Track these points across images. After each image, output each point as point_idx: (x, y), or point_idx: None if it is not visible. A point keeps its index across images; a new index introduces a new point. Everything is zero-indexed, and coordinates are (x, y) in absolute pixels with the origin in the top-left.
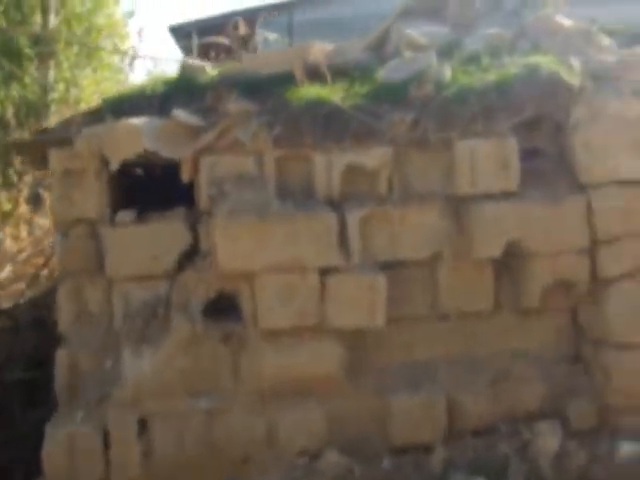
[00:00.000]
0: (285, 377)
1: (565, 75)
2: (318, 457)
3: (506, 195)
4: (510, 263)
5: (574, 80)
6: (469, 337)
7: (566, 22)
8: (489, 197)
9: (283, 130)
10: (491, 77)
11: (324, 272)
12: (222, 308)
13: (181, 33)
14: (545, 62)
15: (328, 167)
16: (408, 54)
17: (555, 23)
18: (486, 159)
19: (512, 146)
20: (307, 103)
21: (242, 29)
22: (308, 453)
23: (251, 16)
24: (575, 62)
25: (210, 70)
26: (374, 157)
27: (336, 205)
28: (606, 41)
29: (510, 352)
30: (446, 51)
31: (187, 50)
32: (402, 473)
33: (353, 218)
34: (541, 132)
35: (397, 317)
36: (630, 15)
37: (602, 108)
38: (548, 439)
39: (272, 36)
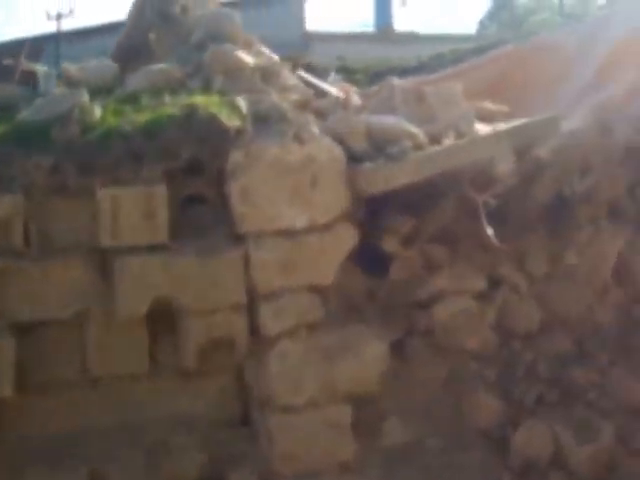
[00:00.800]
0: None
1: (225, 117)
2: None
3: (153, 248)
4: (167, 321)
5: (233, 123)
6: (123, 403)
7: (248, 59)
8: (134, 250)
9: None
10: (142, 119)
11: None
12: None
13: None
14: (205, 103)
15: None
16: (59, 91)
17: (236, 59)
18: (130, 209)
19: (160, 194)
20: None
21: None
22: None
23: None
24: (242, 103)
25: None
26: (2, 207)
27: None
28: (292, 80)
29: (169, 418)
30: (107, 89)
31: None
32: None
33: None
34: (202, 178)
35: (37, 384)
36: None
37: (261, 153)
38: None
39: (41, 69)
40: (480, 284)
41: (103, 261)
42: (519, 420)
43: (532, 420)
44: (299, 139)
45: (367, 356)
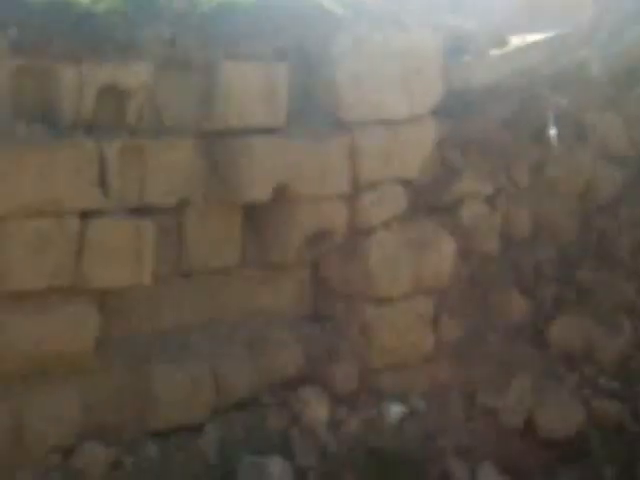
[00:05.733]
0: (34, 353)
1: (327, 2)
2: (73, 451)
3: (271, 131)
4: (262, 211)
5: (336, 8)
6: (215, 297)
7: None
8: (253, 132)
9: (22, 34)
10: None
11: (85, 216)
12: None
13: None
14: None
15: (80, 84)
16: None
17: None
18: (251, 86)
19: (281, 73)
20: (50, 2)
21: None
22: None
23: None
24: None
25: None
26: (134, 75)
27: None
28: None
29: (258, 312)
30: None
31: None
32: (171, 460)
33: (112, 149)
34: (296, 61)
35: None
36: None
37: (366, 39)
38: (317, 407)
39: None
40: (489, 189)
41: (213, 143)
42: (549, 316)
43: (566, 316)
44: (399, 25)
45: (444, 252)
